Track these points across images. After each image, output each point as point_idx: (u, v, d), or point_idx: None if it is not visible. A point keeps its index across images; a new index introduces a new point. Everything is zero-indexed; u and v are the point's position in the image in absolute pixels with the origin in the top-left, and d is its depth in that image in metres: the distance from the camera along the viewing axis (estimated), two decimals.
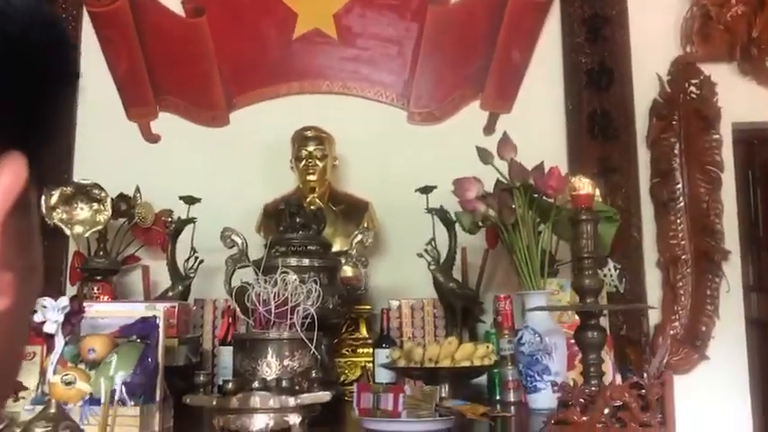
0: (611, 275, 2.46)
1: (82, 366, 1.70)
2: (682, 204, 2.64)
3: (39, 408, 1.34)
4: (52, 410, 1.02)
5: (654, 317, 2.60)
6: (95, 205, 2.39)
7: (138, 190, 2.50)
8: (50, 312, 1.66)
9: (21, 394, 1.91)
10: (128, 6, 2.81)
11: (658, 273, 2.63)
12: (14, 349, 0.39)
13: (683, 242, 2.62)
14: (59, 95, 0.37)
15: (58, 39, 0.36)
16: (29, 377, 1.93)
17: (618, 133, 2.68)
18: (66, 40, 0.37)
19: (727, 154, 2.67)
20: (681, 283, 2.59)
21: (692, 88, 2.68)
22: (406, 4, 2.82)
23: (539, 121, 2.70)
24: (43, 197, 2.36)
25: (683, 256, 2.61)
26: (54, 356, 1.69)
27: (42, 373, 1.77)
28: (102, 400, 1.11)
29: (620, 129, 2.68)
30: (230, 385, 1.68)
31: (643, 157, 2.69)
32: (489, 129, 2.72)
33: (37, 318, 1.66)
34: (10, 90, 0.33)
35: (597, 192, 2.27)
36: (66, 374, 1.64)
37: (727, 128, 2.68)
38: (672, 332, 2.56)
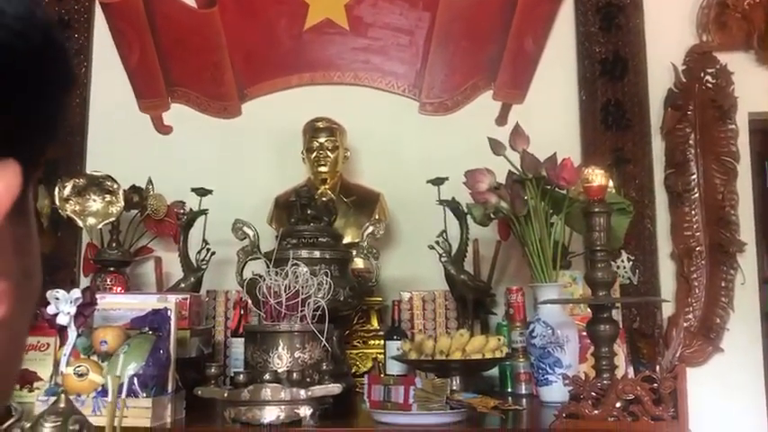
0: (624, 267, 2.45)
1: (95, 358, 1.72)
2: (696, 195, 2.61)
3: (52, 399, 1.35)
4: (62, 404, 1.02)
5: (667, 309, 2.58)
6: (108, 197, 2.40)
7: (150, 182, 2.50)
8: (63, 304, 1.67)
9: (35, 385, 1.93)
10: None
11: (672, 264, 2.61)
12: (12, 357, 0.38)
13: (697, 233, 2.59)
14: (56, 101, 0.36)
15: (52, 45, 0.35)
16: (43, 368, 1.96)
17: (632, 123, 2.65)
18: (61, 45, 0.37)
19: (743, 144, 2.64)
20: (695, 275, 2.57)
21: (708, 78, 2.64)
22: None
23: (552, 112, 2.68)
24: (56, 189, 2.38)
25: (698, 248, 2.58)
26: (67, 348, 1.71)
27: (56, 364, 1.78)
28: (109, 394, 1.11)
29: (634, 119, 2.65)
30: (241, 377, 1.69)
31: (657, 147, 2.66)
32: (502, 119, 2.70)
33: (50, 310, 1.68)
34: (2, 98, 0.33)
35: (611, 183, 2.25)
36: (79, 366, 1.66)
37: (744, 118, 2.64)
38: (685, 324, 2.54)
